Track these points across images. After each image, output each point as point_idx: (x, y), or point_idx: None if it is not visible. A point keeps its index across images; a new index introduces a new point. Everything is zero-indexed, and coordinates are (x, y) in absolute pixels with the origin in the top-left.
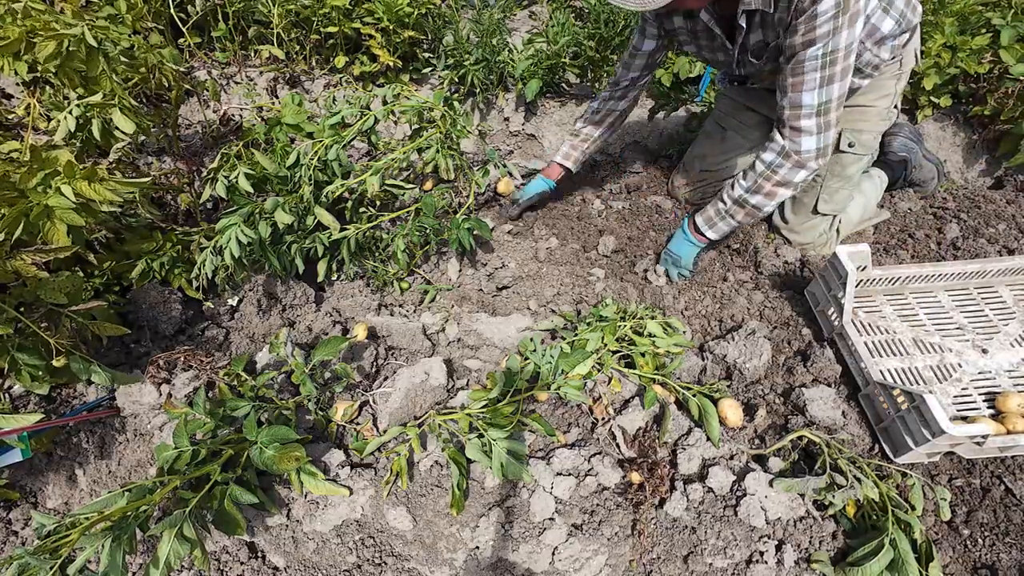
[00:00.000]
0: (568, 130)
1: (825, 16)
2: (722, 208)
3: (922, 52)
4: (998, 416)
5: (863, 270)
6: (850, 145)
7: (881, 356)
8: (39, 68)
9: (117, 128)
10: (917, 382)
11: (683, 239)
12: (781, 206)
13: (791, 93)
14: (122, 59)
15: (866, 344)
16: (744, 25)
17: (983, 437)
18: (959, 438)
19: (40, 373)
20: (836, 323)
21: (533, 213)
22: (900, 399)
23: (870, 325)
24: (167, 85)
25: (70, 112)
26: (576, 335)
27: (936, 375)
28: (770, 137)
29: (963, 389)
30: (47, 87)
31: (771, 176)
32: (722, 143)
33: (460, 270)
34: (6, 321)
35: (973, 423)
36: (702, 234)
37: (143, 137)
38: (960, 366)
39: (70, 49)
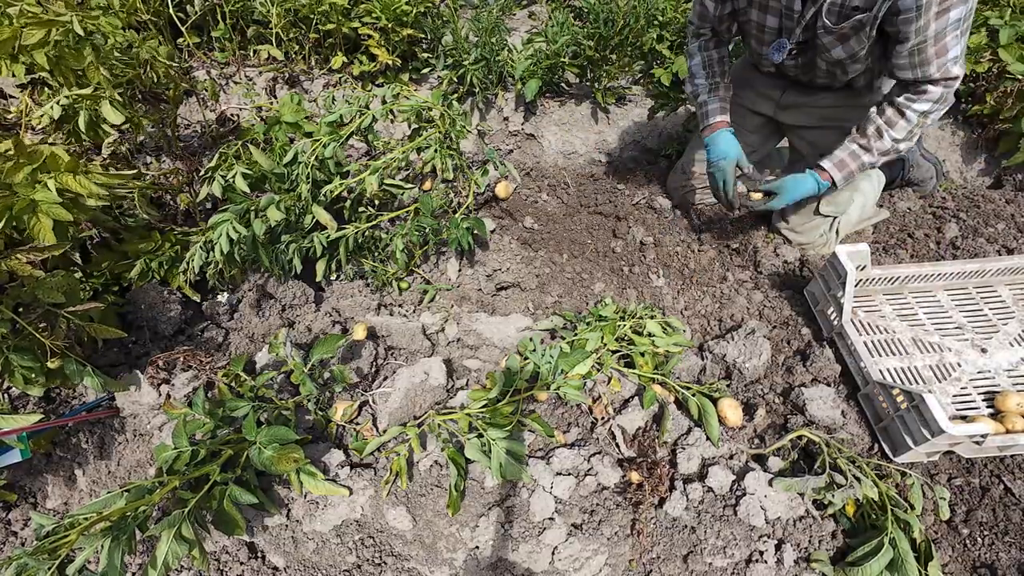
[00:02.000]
0: (699, 92)
1: None
2: (867, 161)
3: None
4: (997, 415)
5: (862, 269)
6: None
7: (880, 355)
8: (35, 69)
9: (105, 121)
10: (916, 381)
11: (808, 175)
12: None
13: (938, 58)
14: (116, 54)
15: (865, 344)
16: None
17: (982, 436)
18: (958, 437)
19: (34, 375)
20: (835, 322)
21: (533, 215)
22: (899, 398)
23: (869, 324)
24: (158, 80)
25: (57, 102)
26: (576, 335)
27: (935, 374)
28: (913, 91)
29: (962, 388)
30: (45, 88)
31: (924, 122)
32: None
33: (459, 270)
34: (1, 321)
35: (972, 422)
36: (832, 182)
37: (141, 137)
38: (959, 365)
39: (57, 39)
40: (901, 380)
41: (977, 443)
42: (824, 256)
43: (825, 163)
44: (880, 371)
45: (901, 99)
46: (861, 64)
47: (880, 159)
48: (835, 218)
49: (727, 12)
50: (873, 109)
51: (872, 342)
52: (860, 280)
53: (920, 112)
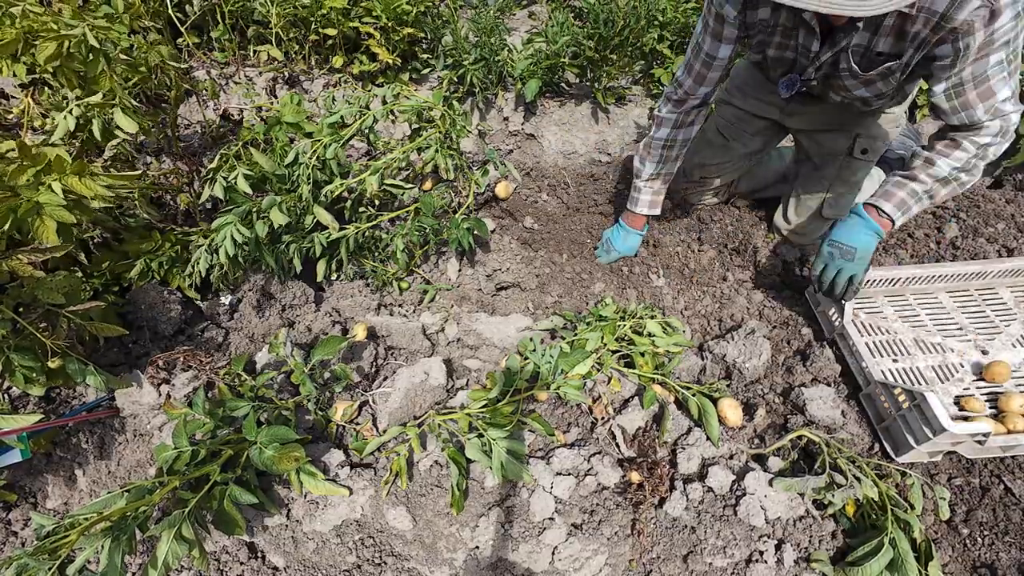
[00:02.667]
0: (642, 172)
1: (1003, 30)
2: (920, 189)
3: None
4: (999, 416)
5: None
6: (863, 152)
7: (882, 356)
8: (37, 69)
9: (118, 128)
10: (919, 382)
11: (862, 226)
12: (784, 207)
13: (983, 101)
14: (122, 58)
15: (867, 344)
16: (859, 26)
17: (984, 435)
18: (960, 436)
19: (35, 375)
20: (837, 323)
21: (533, 215)
22: (901, 398)
23: (871, 326)
24: (168, 85)
25: (70, 112)
26: (576, 335)
27: (938, 375)
28: (967, 127)
29: (965, 389)
30: (45, 88)
31: (985, 155)
32: (725, 150)
33: (460, 270)
34: (2, 321)
35: (974, 422)
36: (890, 220)
37: (143, 137)
38: (962, 366)
39: (71, 51)
40: (903, 381)
41: (979, 443)
42: None
43: (869, 199)
44: (882, 371)
45: (955, 133)
46: (887, 99)
47: (935, 188)
48: (836, 220)
49: (735, 55)
50: (918, 148)
51: (874, 343)
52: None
53: (979, 144)
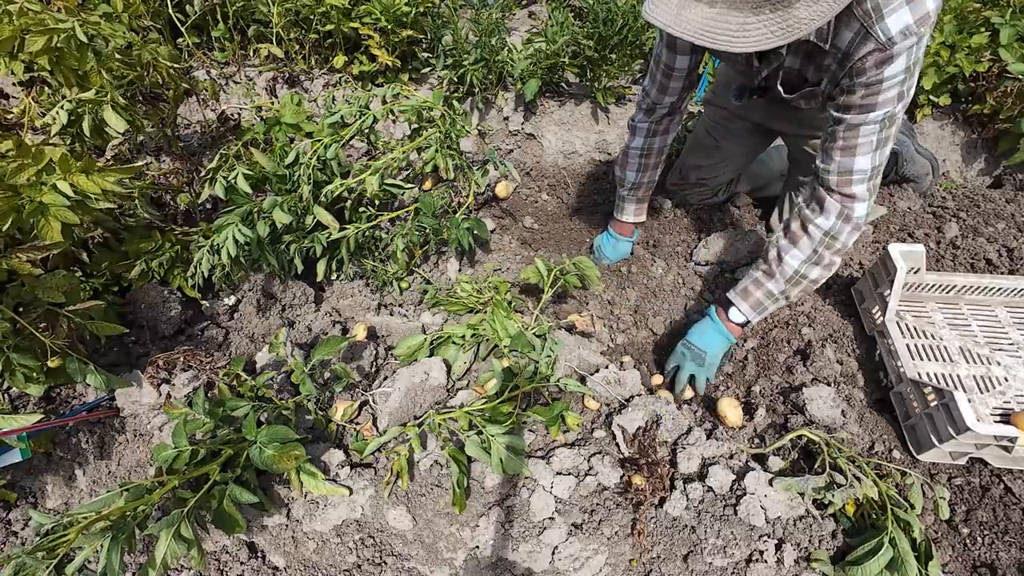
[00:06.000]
0: (624, 182)
1: (892, 80)
2: (774, 289)
3: None
4: None
5: (916, 272)
6: None
7: (923, 360)
8: (35, 68)
9: (108, 126)
10: (957, 388)
11: (713, 331)
12: (779, 208)
13: (841, 158)
14: (117, 56)
15: (908, 346)
16: (783, 52)
17: (1010, 440)
18: (985, 438)
19: (35, 374)
20: (878, 320)
21: (533, 215)
22: (930, 396)
23: (916, 329)
24: (163, 83)
25: (62, 107)
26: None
27: (978, 385)
28: (815, 199)
29: (1005, 402)
30: (44, 87)
31: (832, 244)
32: (717, 151)
33: (460, 270)
34: (2, 321)
35: (999, 425)
36: (741, 323)
37: (140, 137)
38: (1006, 379)
39: (59, 45)
40: (938, 384)
41: (1006, 449)
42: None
43: (729, 294)
44: (919, 374)
45: (805, 210)
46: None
47: (788, 289)
48: None
49: (697, 62)
50: (779, 225)
51: (916, 346)
52: (913, 284)
53: (823, 231)
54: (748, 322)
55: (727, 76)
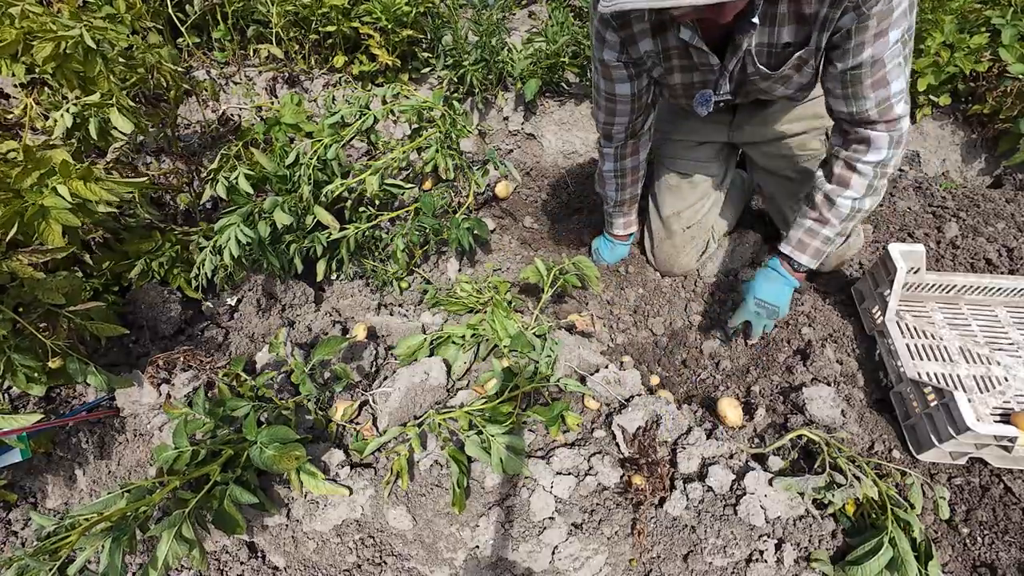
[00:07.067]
0: (608, 199)
1: None
2: (830, 234)
3: (920, 50)
4: None
5: (916, 272)
6: None
7: (923, 359)
8: (36, 70)
9: (115, 128)
10: (955, 388)
11: (781, 284)
12: (787, 226)
13: (875, 92)
14: (120, 59)
15: (908, 346)
16: (755, 25)
17: (1010, 440)
18: (985, 438)
19: (36, 375)
20: (878, 320)
21: (533, 215)
22: (930, 396)
23: (916, 328)
24: (166, 85)
25: (67, 110)
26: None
27: (978, 385)
28: (857, 138)
29: (1005, 402)
30: (45, 88)
31: (885, 171)
32: (692, 190)
33: (460, 269)
34: (3, 322)
35: (999, 425)
36: (806, 269)
37: (141, 137)
38: (1006, 379)
39: (67, 51)
40: (939, 383)
41: (1006, 448)
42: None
43: (784, 248)
44: (919, 373)
45: (848, 152)
46: (812, 88)
47: (845, 226)
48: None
49: (644, 87)
50: (819, 171)
51: (916, 345)
52: (913, 284)
53: (875, 163)
54: (810, 272)
55: (676, 102)
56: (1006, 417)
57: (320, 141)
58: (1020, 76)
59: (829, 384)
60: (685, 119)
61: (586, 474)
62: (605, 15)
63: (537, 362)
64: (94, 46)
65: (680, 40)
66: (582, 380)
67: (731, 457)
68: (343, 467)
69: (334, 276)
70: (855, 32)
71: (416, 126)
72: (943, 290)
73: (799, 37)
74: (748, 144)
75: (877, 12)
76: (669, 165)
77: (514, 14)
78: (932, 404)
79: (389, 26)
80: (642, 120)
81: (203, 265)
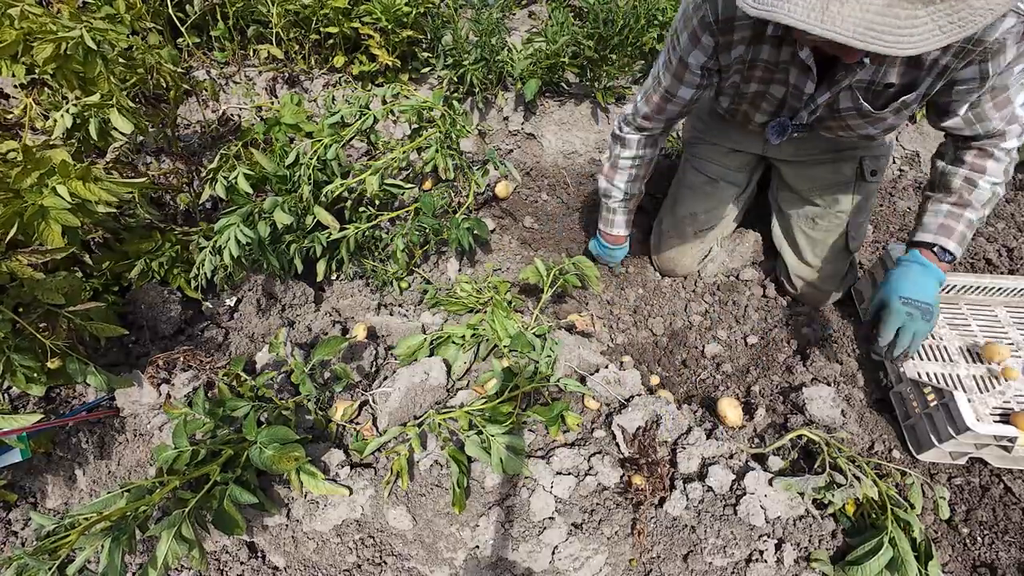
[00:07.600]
0: (613, 193)
1: None
2: (974, 217)
3: None
4: None
5: None
6: (872, 173)
7: (923, 359)
8: (36, 70)
9: (115, 128)
10: (955, 388)
11: (929, 278)
12: (796, 252)
13: (999, 111)
14: (120, 60)
15: None
16: (863, 64)
17: (1010, 440)
18: (984, 438)
19: (36, 375)
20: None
21: (533, 215)
22: (930, 396)
23: None
24: (166, 85)
25: (67, 111)
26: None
27: (978, 385)
28: (987, 136)
29: (1005, 402)
30: (45, 88)
31: (1014, 160)
32: (714, 194)
33: (460, 269)
34: (2, 322)
35: (999, 425)
36: (951, 258)
37: (141, 137)
38: (1006, 379)
39: (67, 52)
40: (939, 384)
41: (1006, 448)
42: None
43: (924, 236)
44: (919, 373)
45: (982, 143)
46: (894, 131)
47: (984, 212)
48: (855, 256)
49: (701, 95)
50: (940, 162)
51: None
52: None
53: (1009, 150)
54: (955, 258)
55: (737, 108)
56: (1006, 417)
57: (320, 141)
58: None
59: (829, 384)
60: (725, 123)
61: (586, 474)
62: (708, 19)
63: (537, 362)
64: (94, 47)
65: (774, 54)
66: (582, 380)
67: (731, 457)
68: (343, 467)
69: (334, 276)
70: (982, 83)
71: (416, 126)
72: (943, 290)
73: (905, 80)
74: (781, 161)
75: (1007, 60)
76: (696, 165)
77: (514, 14)
78: (932, 404)
79: (389, 26)
80: (679, 120)
81: (203, 265)
